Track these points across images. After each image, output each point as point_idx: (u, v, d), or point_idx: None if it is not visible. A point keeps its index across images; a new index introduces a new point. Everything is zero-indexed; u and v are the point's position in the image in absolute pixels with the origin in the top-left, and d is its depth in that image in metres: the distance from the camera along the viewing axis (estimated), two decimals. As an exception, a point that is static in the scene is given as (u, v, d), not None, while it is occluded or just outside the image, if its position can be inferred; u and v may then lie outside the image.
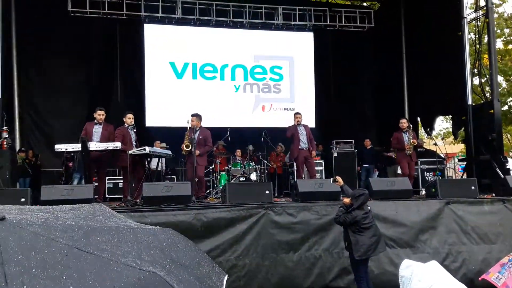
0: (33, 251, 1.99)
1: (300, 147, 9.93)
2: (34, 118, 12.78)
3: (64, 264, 1.99)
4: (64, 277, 1.93)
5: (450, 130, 16.71)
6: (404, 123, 10.16)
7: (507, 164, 10.54)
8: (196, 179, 8.96)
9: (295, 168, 10.41)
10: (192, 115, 9.29)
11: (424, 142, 10.85)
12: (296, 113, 10.28)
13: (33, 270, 1.92)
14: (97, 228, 2.36)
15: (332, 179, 6.85)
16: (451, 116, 13.00)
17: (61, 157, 9.48)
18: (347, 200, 6.16)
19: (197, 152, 9.00)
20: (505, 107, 18.44)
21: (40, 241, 2.04)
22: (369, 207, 6.15)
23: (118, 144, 7.98)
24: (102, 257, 2.08)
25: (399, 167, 11.16)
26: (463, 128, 12.15)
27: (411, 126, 10.50)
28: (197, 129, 9.14)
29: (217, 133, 11.23)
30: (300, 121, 10.11)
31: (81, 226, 2.31)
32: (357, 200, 6.02)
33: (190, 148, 8.89)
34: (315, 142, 10.71)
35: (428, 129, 14.08)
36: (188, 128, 9.06)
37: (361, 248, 5.89)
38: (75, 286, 1.91)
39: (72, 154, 8.21)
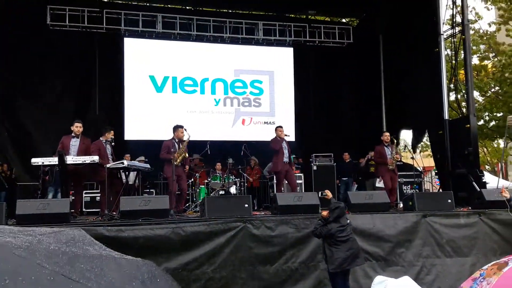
0: (20, 276, 1.97)
1: (283, 161, 9.93)
2: (10, 131, 12.57)
3: None
4: None
5: (428, 143, 16.91)
6: (387, 136, 10.19)
7: (483, 177, 10.71)
8: (178, 192, 8.96)
9: (275, 181, 10.40)
10: (181, 126, 9.27)
11: (402, 156, 10.96)
12: (279, 127, 10.24)
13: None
14: (80, 255, 2.36)
15: (321, 192, 6.93)
16: (426, 130, 13.14)
17: (37, 170, 9.37)
18: (324, 213, 6.21)
19: (187, 167, 9.12)
20: (481, 122, 18.76)
21: (26, 266, 2.04)
22: (348, 221, 6.18)
23: (95, 158, 7.90)
24: (88, 286, 2.09)
25: (377, 180, 11.29)
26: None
27: (394, 141, 10.56)
28: (185, 141, 9.12)
29: (197, 146, 11.23)
30: (284, 135, 10.11)
31: (65, 252, 2.32)
32: (333, 213, 6.06)
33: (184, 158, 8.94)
34: (294, 156, 10.77)
35: (405, 144, 14.25)
36: (185, 141, 9.06)
37: (335, 261, 5.91)
38: None
39: (47, 167, 8.10)
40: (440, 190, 11.98)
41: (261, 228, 7.12)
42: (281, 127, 10.25)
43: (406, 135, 14.41)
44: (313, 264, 7.15)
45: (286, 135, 10.13)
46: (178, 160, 8.78)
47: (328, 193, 6.79)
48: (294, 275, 7.07)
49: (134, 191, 9.34)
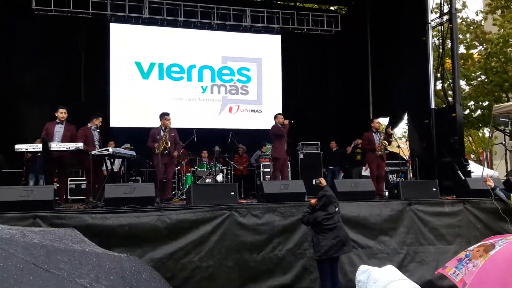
0: None
1: (285, 149, 9.98)
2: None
3: (17, 278, 2.00)
4: None
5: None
6: (376, 123, 10.21)
7: (468, 166, 10.79)
8: (164, 180, 8.94)
9: (271, 168, 10.37)
10: (167, 114, 9.21)
11: (392, 141, 11.06)
12: (279, 114, 10.24)
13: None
14: (61, 249, 2.35)
15: (315, 180, 6.96)
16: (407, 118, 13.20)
17: (20, 158, 9.29)
18: (313, 200, 6.24)
19: (175, 153, 9.06)
20: (467, 111, 18.89)
21: None
22: (336, 209, 6.19)
23: (80, 145, 7.82)
24: (58, 275, 2.08)
25: (363, 169, 11.32)
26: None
27: (383, 128, 10.59)
28: (167, 129, 9.07)
29: (183, 134, 11.15)
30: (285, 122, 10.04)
31: (45, 245, 2.31)
32: (320, 201, 6.09)
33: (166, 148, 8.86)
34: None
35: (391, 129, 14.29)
36: (167, 128, 9.00)
37: (321, 249, 5.94)
38: None
39: (29, 155, 8.02)
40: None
41: (248, 216, 7.11)
42: (281, 114, 10.21)
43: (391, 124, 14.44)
44: (300, 252, 7.17)
45: (285, 121, 10.01)
46: (160, 149, 8.76)
47: (322, 181, 6.82)
48: (281, 263, 7.08)
49: (119, 179, 9.27)
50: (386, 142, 10.00)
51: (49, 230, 2.76)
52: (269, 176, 10.54)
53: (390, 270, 3.52)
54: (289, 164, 11.68)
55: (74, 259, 2.26)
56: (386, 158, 10.37)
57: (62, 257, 2.23)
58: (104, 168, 9.00)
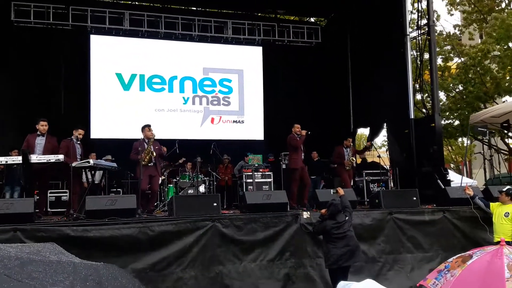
0: None
1: (301, 159, 10.03)
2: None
3: None
4: None
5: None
6: (349, 141, 10.93)
7: (447, 175, 10.94)
8: (149, 192, 8.89)
9: (292, 178, 10.13)
10: (149, 126, 9.19)
11: (371, 151, 11.36)
12: (296, 124, 10.14)
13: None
14: (36, 260, 2.34)
15: (332, 190, 7.09)
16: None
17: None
18: (323, 210, 6.31)
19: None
20: (446, 121, 19.17)
21: None
22: (346, 218, 6.23)
23: (60, 157, 7.75)
24: (30, 284, 2.07)
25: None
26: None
27: (371, 144, 11.70)
28: (149, 140, 9.02)
29: (165, 145, 11.11)
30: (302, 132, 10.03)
31: (21, 257, 2.31)
32: (328, 210, 6.15)
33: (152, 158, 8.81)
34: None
35: (372, 142, 14.46)
36: (151, 140, 8.96)
37: (331, 258, 5.99)
38: None
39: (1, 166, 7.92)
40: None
41: (230, 226, 7.12)
42: (298, 124, 10.12)
43: (371, 134, 14.67)
44: (281, 262, 7.19)
45: (303, 131, 10.01)
46: (145, 160, 8.70)
47: (340, 190, 6.93)
48: (263, 273, 7.08)
49: (100, 191, 9.19)
50: (354, 159, 10.49)
51: (28, 245, 2.75)
52: (251, 187, 10.54)
53: (370, 285, 3.51)
54: (270, 174, 11.74)
55: (49, 269, 2.26)
56: (365, 168, 10.74)
57: (37, 268, 2.22)
58: (84, 180, 8.92)
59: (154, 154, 8.83)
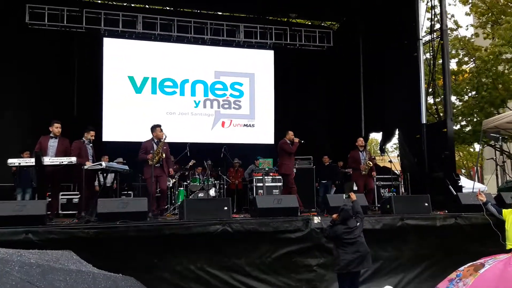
0: None
1: (293, 164, 10.10)
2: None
3: None
4: None
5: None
6: (360, 141, 10.41)
7: (459, 181, 10.85)
8: (158, 194, 8.91)
9: (282, 185, 10.48)
10: (159, 125, 9.22)
11: (375, 158, 11.21)
12: (290, 131, 10.32)
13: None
14: (56, 268, 2.36)
15: (345, 195, 7.09)
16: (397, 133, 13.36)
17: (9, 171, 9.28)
18: (335, 215, 6.31)
19: (171, 170, 9.28)
20: (458, 126, 19.03)
21: None
22: (358, 223, 6.22)
23: (73, 159, 7.81)
24: None
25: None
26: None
27: (366, 145, 10.83)
28: (159, 141, 9.06)
29: (176, 148, 11.16)
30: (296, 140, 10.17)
31: (41, 265, 2.33)
32: (339, 215, 6.15)
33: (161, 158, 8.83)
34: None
35: (383, 147, 14.40)
36: (162, 141, 9.00)
37: (341, 262, 5.98)
38: None
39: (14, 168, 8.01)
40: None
41: (240, 230, 7.10)
42: (291, 131, 10.32)
43: (382, 139, 14.61)
44: (292, 265, 7.17)
45: (295, 139, 10.20)
46: (155, 160, 8.71)
47: (352, 196, 6.93)
48: (267, 270, 7.07)
49: (112, 193, 9.23)
50: (371, 163, 10.16)
51: (46, 252, 2.77)
52: (261, 191, 10.53)
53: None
54: (280, 178, 11.76)
55: (70, 278, 2.27)
56: (375, 173, 10.55)
57: (58, 276, 2.24)
58: (96, 183, 8.98)
59: (164, 155, 8.84)
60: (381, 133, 14.60)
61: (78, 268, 2.54)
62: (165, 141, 9.10)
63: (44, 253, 2.67)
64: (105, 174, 8.38)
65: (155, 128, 9.19)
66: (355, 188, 11.39)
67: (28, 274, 2.15)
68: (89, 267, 2.68)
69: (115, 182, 9.28)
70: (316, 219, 7.39)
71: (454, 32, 19.25)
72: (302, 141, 10.19)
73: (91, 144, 8.79)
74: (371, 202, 9.86)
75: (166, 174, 9.19)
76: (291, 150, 10.05)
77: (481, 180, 25.42)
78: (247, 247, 7.09)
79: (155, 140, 9.06)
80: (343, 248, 6.03)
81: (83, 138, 8.73)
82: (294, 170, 11.36)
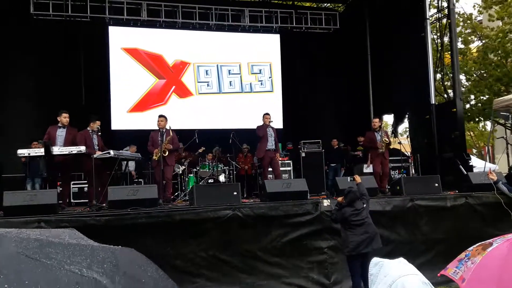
0: None
1: (267, 148, 10.01)
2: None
3: (4, 266, 2.07)
4: (1, 276, 2.00)
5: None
6: (376, 122, 10.20)
7: (469, 161, 10.80)
8: (164, 181, 8.94)
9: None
10: (162, 116, 9.28)
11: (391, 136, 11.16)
12: (265, 114, 10.35)
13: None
14: (55, 242, 2.38)
15: (349, 178, 7.10)
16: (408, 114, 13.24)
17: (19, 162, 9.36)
18: (340, 198, 6.34)
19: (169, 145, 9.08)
20: (467, 105, 18.89)
21: None
22: (364, 205, 6.24)
23: (82, 148, 7.85)
24: (47, 264, 2.14)
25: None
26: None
27: (386, 125, 10.72)
28: (164, 130, 9.10)
29: (185, 134, 11.20)
30: (270, 121, 10.19)
31: (39, 239, 2.36)
32: (346, 197, 6.17)
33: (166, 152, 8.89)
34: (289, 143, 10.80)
35: (392, 129, 14.34)
36: (167, 130, 9.07)
37: (349, 244, 6.02)
38: (9, 285, 1.97)
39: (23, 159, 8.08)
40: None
41: (250, 215, 7.13)
42: (267, 114, 10.33)
43: (390, 119, 14.54)
44: (302, 250, 7.19)
45: (270, 121, 10.27)
46: (162, 154, 8.77)
47: (357, 178, 6.96)
48: (287, 261, 7.10)
49: (123, 181, 9.27)
50: (387, 140, 10.01)
51: (48, 230, 2.80)
52: (271, 176, 10.55)
53: (400, 264, 3.52)
54: (289, 162, 11.82)
55: (67, 251, 2.31)
56: (389, 155, 10.39)
57: (55, 249, 2.27)
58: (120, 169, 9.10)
59: (166, 154, 8.84)
60: (392, 115, 14.52)
61: (77, 242, 2.57)
62: (171, 128, 9.14)
63: (46, 230, 2.70)
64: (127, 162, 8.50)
65: (158, 118, 9.28)
66: (365, 170, 11.39)
67: (25, 247, 2.20)
68: (89, 242, 2.71)
69: (126, 170, 9.34)
70: (326, 202, 7.40)
71: (459, 9, 19.05)
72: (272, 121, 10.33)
73: (99, 133, 8.81)
74: (385, 186, 9.78)
75: (171, 163, 9.24)
76: (259, 134, 10.16)
77: (492, 160, 25.26)
78: (257, 231, 7.11)
79: (161, 130, 9.11)
80: (351, 230, 6.05)
81: (88, 128, 8.75)
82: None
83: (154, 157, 8.83)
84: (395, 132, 14.07)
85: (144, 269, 2.59)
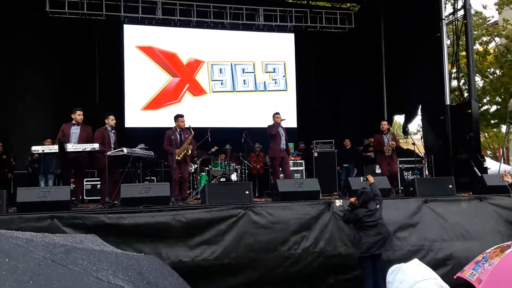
0: (7, 258, 2.07)
1: (280, 148, 9.99)
2: (11, 121, 12.52)
3: (34, 272, 2.11)
4: (31, 282, 2.03)
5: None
6: (384, 125, 10.37)
7: (484, 162, 10.68)
8: (181, 179, 9.02)
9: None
10: (182, 116, 9.34)
11: (399, 141, 11.09)
12: (276, 113, 10.31)
13: (3, 273, 2.02)
14: (79, 248, 2.41)
15: (362, 178, 7.08)
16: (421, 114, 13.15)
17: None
18: (352, 199, 6.31)
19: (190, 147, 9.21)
20: (483, 108, 18.69)
21: (17, 251, 2.15)
22: (378, 206, 6.20)
23: (96, 145, 7.91)
24: (74, 270, 2.17)
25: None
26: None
27: (399, 125, 10.75)
28: (180, 129, 9.16)
29: (198, 133, 11.20)
30: (281, 120, 10.16)
31: (65, 245, 2.39)
32: (359, 198, 6.13)
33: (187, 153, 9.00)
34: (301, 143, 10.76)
35: (406, 129, 14.23)
36: (186, 129, 9.18)
37: (363, 246, 5.99)
38: None
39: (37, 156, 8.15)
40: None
41: (263, 214, 7.11)
42: (278, 113, 10.31)
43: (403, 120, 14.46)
44: (316, 250, 7.14)
45: (282, 120, 10.24)
46: (181, 156, 8.85)
47: (370, 178, 6.93)
48: (298, 262, 7.06)
49: (135, 179, 9.31)
50: (394, 143, 10.08)
51: (70, 235, 2.84)
52: (283, 175, 10.54)
53: (416, 268, 3.48)
54: (302, 162, 11.78)
55: (92, 257, 2.32)
56: (397, 156, 10.42)
57: (81, 255, 2.29)
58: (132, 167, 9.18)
59: (189, 152, 8.94)
60: (404, 115, 14.42)
61: (101, 249, 2.58)
62: (186, 126, 9.20)
63: (68, 235, 2.73)
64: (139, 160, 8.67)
65: (177, 118, 9.33)
66: (377, 171, 11.32)
67: (51, 253, 2.22)
68: (112, 248, 2.73)
69: (138, 168, 9.38)
70: (338, 202, 7.36)
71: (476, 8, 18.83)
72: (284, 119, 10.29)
73: (113, 131, 8.85)
74: (395, 185, 9.77)
75: (188, 162, 9.36)
76: (271, 132, 10.09)
77: (507, 161, 24.96)
78: (269, 230, 7.08)
79: (178, 130, 9.14)
80: (364, 231, 6.02)
81: (106, 125, 8.80)
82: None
83: (177, 157, 8.86)
84: (406, 132, 13.99)
85: (166, 277, 2.61)
